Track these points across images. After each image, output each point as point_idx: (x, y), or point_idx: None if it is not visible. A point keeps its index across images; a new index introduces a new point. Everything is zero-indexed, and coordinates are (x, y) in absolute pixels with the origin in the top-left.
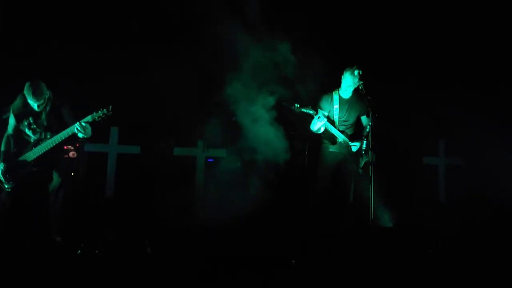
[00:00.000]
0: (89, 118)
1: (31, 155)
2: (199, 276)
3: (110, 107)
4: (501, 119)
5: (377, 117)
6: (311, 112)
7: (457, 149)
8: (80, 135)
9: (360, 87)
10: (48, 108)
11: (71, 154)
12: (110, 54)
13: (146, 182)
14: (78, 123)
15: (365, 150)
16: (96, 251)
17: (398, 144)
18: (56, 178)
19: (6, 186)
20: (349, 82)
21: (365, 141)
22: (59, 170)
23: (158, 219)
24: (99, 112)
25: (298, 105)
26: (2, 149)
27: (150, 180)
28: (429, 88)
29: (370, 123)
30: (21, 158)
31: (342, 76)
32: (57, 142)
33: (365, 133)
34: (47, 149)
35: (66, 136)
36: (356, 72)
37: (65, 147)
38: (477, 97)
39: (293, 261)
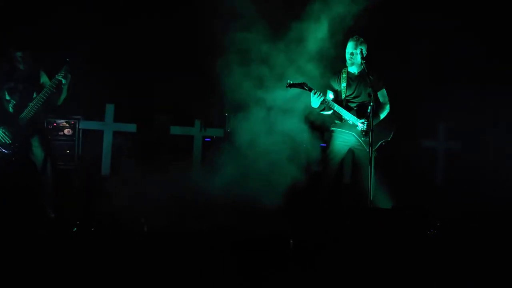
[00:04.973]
0: (62, 71)
1: (29, 112)
2: (195, 255)
3: (67, 59)
4: (501, 102)
5: (378, 96)
6: (304, 88)
7: (457, 132)
8: (63, 81)
9: (362, 66)
10: (29, 66)
11: (66, 131)
12: (106, 28)
13: (142, 161)
14: (55, 77)
15: (365, 132)
16: (92, 229)
17: (397, 126)
18: (39, 153)
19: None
20: (349, 50)
21: (366, 122)
22: (40, 141)
23: (154, 198)
24: (62, 71)
25: (290, 81)
26: None
27: (147, 158)
28: (431, 71)
29: (371, 104)
30: (22, 116)
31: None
32: (46, 96)
33: (367, 112)
34: (38, 105)
35: (53, 87)
36: (358, 47)
37: (61, 124)
38: (478, 81)
39: (291, 241)
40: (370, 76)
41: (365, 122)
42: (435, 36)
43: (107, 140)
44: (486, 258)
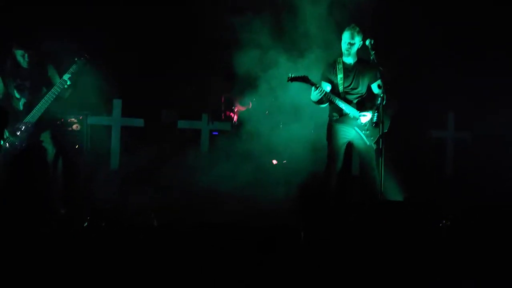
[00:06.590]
0: (70, 71)
1: (35, 114)
2: (205, 247)
3: (76, 59)
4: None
5: (388, 89)
6: (305, 82)
7: (466, 123)
8: (68, 82)
9: (371, 57)
10: (33, 64)
11: (74, 126)
12: (113, 23)
13: (150, 155)
14: (63, 78)
15: (376, 123)
16: (103, 224)
17: (406, 117)
18: (51, 148)
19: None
20: (346, 40)
21: (376, 113)
22: (52, 138)
23: (163, 192)
24: (69, 72)
25: (291, 75)
26: None
27: (155, 153)
28: (441, 60)
29: (381, 95)
30: (26, 120)
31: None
32: (53, 97)
33: (376, 104)
34: (46, 106)
35: (61, 88)
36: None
37: (69, 120)
38: (489, 71)
39: (302, 233)
40: (380, 67)
41: (368, 114)
42: (442, 25)
43: (115, 135)
44: (495, 249)
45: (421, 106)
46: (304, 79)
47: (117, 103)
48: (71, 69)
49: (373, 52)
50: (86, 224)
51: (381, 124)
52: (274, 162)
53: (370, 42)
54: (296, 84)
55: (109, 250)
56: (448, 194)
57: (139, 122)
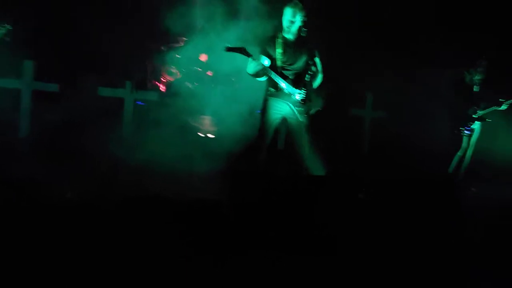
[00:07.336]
0: None
1: None
2: (129, 223)
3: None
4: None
5: (321, 67)
6: (242, 53)
7: (382, 102)
8: None
9: (304, 35)
10: None
11: None
12: None
13: (65, 124)
14: None
15: (304, 100)
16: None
17: (329, 96)
18: None
19: None
20: (288, 17)
21: (303, 91)
22: None
23: (79, 162)
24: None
25: (229, 45)
26: None
27: (70, 121)
28: (359, 44)
29: (311, 73)
30: None
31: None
32: None
33: (307, 81)
34: None
35: None
36: (297, 14)
37: None
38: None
39: (230, 208)
40: (311, 45)
41: (303, 91)
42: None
43: (25, 100)
44: (409, 219)
45: (342, 86)
46: (241, 51)
47: (28, 65)
48: None
49: (306, 30)
50: None
51: (308, 101)
52: (203, 135)
53: (303, 20)
54: (230, 55)
55: (16, 224)
56: (365, 168)
57: (53, 87)
